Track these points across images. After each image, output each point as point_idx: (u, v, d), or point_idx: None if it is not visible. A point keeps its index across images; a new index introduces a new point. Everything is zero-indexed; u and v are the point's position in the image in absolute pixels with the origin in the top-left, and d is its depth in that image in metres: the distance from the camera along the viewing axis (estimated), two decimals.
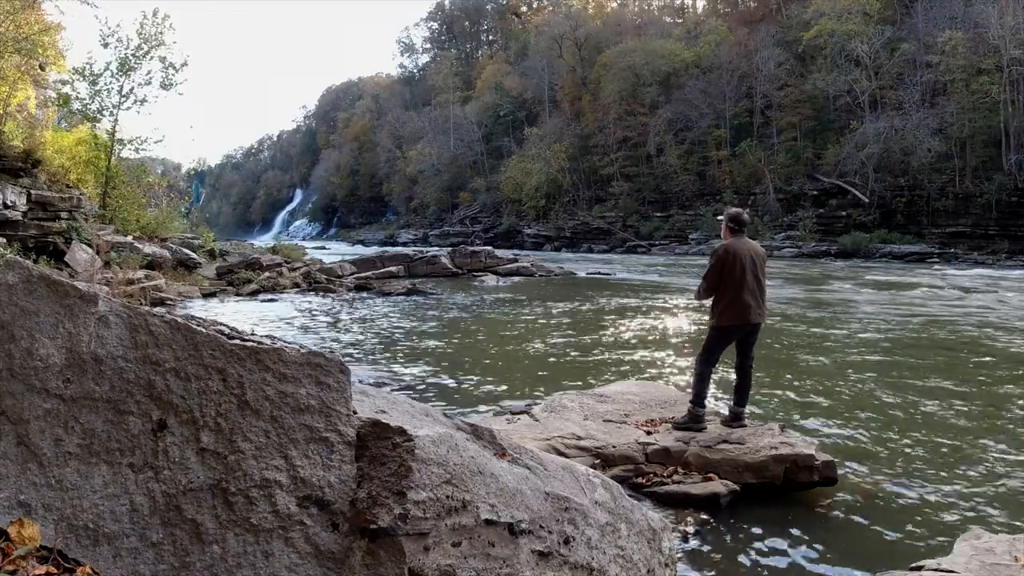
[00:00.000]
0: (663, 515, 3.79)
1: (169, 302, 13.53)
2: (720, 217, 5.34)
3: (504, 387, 7.39)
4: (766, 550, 3.73)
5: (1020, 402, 6.80)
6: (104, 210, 18.68)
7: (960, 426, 5.98)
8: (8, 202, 14.36)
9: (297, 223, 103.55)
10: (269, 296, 16.09)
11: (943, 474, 4.83)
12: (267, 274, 18.34)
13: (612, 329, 11.67)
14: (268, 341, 1.70)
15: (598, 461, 4.53)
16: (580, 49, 61.70)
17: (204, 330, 1.62)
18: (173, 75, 20.40)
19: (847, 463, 4.97)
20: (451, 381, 7.70)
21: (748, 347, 5.17)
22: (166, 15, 20.20)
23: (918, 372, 8.28)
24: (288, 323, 12.25)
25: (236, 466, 1.55)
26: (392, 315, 13.57)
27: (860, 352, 9.60)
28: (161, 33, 20.12)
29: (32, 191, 15.12)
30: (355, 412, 1.67)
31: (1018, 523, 3.99)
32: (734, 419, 5.15)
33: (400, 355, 9.32)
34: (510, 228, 58.03)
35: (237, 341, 1.63)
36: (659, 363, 8.80)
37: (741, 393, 5.20)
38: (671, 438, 4.84)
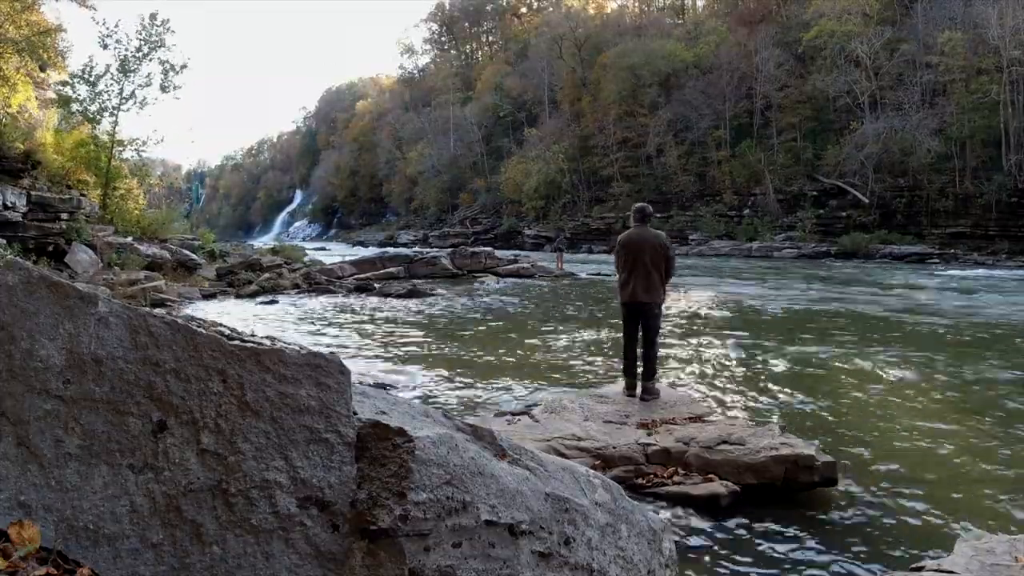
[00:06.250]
0: (664, 516, 3.79)
1: (169, 303, 13.54)
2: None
3: (504, 388, 7.39)
4: (766, 551, 3.73)
5: (1022, 401, 6.79)
6: (104, 211, 18.68)
7: (961, 426, 5.98)
8: (8, 203, 14.37)
9: (297, 224, 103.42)
10: (269, 297, 16.08)
11: (944, 474, 4.83)
12: (267, 275, 18.35)
13: (611, 329, 11.66)
14: (268, 342, 1.69)
15: (598, 462, 4.52)
16: (580, 50, 61.60)
17: (204, 331, 1.62)
18: (172, 77, 20.43)
19: (847, 464, 4.97)
20: (451, 382, 7.69)
21: (645, 325, 5.93)
22: (165, 19, 20.21)
23: (919, 372, 8.27)
24: (288, 324, 12.25)
25: (236, 467, 1.55)
26: (392, 316, 13.57)
27: (860, 351, 9.59)
28: (161, 35, 20.14)
29: (32, 192, 15.14)
30: (355, 413, 1.67)
31: (1018, 523, 3.99)
32: (643, 392, 5.79)
33: (400, 356, 9.32)
34: (510, 229, 57.91)
35: (237, 342, 1.63)
36: (659, 363, 8.78)
37: (644, 366, 5.88)
38: (671, 439, 4.84)
